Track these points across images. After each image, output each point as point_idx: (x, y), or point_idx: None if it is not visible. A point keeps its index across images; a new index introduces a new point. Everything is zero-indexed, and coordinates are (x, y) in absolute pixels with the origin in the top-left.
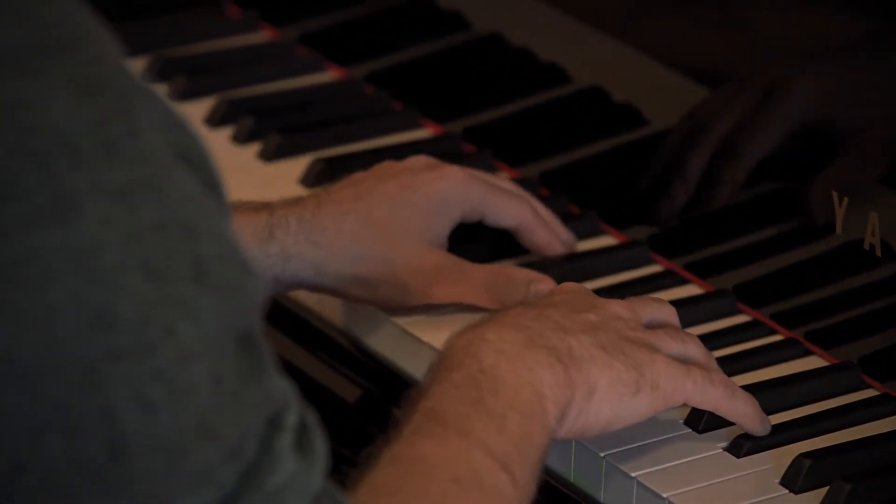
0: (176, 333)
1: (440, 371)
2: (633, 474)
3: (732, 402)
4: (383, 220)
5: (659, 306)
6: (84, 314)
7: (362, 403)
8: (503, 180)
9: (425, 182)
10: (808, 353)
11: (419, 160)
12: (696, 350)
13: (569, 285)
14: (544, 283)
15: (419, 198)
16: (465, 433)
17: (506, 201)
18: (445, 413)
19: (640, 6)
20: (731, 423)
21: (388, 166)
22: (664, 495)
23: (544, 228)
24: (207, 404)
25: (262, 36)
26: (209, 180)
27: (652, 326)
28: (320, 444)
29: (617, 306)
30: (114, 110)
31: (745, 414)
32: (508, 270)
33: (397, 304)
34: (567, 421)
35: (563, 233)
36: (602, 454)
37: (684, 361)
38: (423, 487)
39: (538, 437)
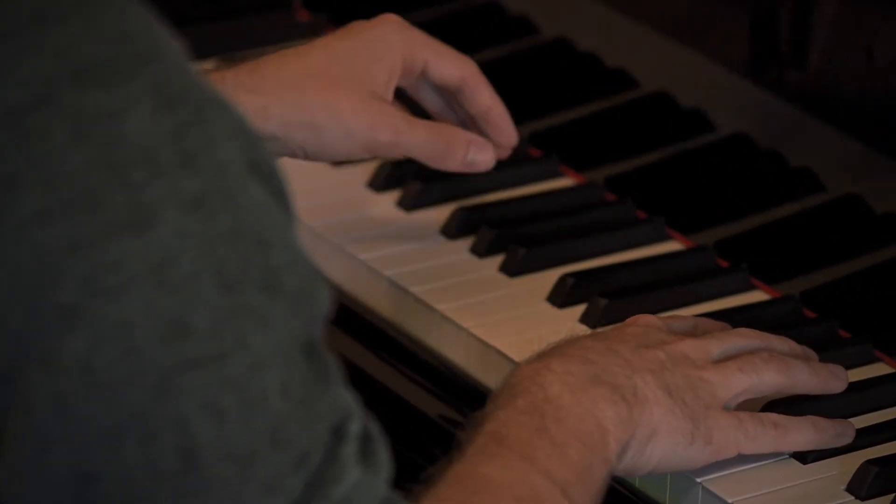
0: (247, 343)
1: (505, 396)
2: (698, 479)
3: (787, 440)
4: (322, 68)
5: (734, 338)
6: (159, 323)
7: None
8: None
9: (363, 28)
10: (874, 359)
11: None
12: (771, 377)
13: (644, 318)
14: (483, 147)
15: (356, 43)
16: (528, 458)
17: (449, 51)
18: (509, 437)
19: (707, 11)
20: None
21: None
22: (729, 501)
23: (490, 89)
24: (277, 413)
25: None
26: (278, 190)
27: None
28: (383, 453)
29: (686, 345)
30: (191, 121)
31: (807, 444)
32: (450, 129)
33: (344, 151)
34: (624, 458)
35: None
36: None
37: (763, 392)
38: None
39: (598, 469)
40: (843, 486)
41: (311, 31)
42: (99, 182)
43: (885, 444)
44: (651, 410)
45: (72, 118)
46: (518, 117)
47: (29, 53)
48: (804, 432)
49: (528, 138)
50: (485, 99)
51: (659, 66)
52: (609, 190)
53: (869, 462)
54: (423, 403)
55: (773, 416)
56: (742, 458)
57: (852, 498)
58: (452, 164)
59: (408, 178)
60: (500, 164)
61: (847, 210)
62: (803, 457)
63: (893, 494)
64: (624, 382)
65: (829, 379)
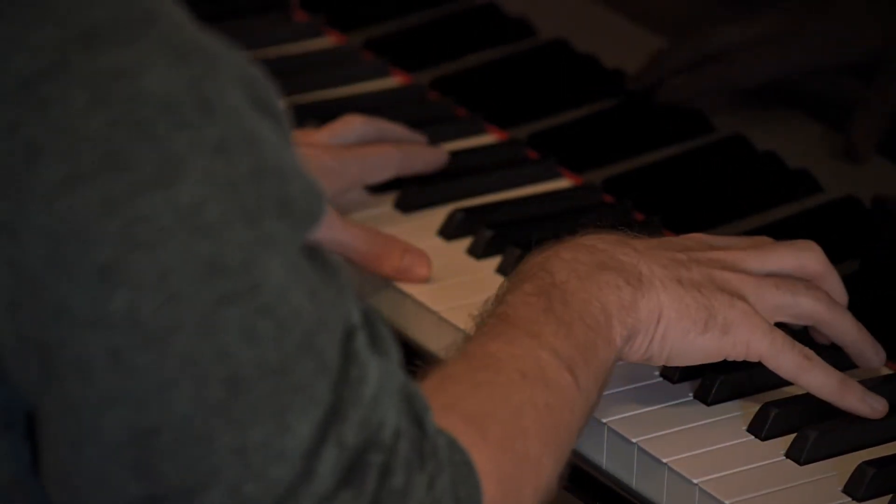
0: (272, 269)
1: (515, 282)
2: (694, 480)
3: (809, 375)
4: None
5: (781, 254)
6: (196, 266)
7: None
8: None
9: None
10: None
11: None
12: (809, 303)
13: (694, 235)
14: (418, 256)
15: None
16: (534, 335)
17: (374, 159)
18: (517, 317)
19: (707, 12)
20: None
21: None
22: (726, 502)
23: (418, 155)
24: (309, 323)
25: (328, 41)
26: (280, 121)
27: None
28: (385, 330)
29: (718, 253)
30: (204, 71)
31: (825, 391)
32: (386, 235)
33: None
34: (634, 344)
35: (420, 138)
36: (664, 460)
37: (797, 315)
38: (490, 378)
39: (603, 350)
40: (840, 487)
41: (309, 33)
42: (124, 139)
43: (883, 444)
44: (657, 295)
45: (88, 80)
46: (516, 118)
47: (34, 23)
48: (829, 379)
49: (527, 140)
50: (420, 166)
51: None
52: (607, 191)
53: (866, 463)
54: None
55: (807, 349)
56: (738, 459)
57: (849, 499)
58: (387, 268)
59: (405, 180)
60: (499, 165)
61: (845, 211)
62: (798, 456)
63: (890, 495)
64: (629, 269)
65: (868, 341)
